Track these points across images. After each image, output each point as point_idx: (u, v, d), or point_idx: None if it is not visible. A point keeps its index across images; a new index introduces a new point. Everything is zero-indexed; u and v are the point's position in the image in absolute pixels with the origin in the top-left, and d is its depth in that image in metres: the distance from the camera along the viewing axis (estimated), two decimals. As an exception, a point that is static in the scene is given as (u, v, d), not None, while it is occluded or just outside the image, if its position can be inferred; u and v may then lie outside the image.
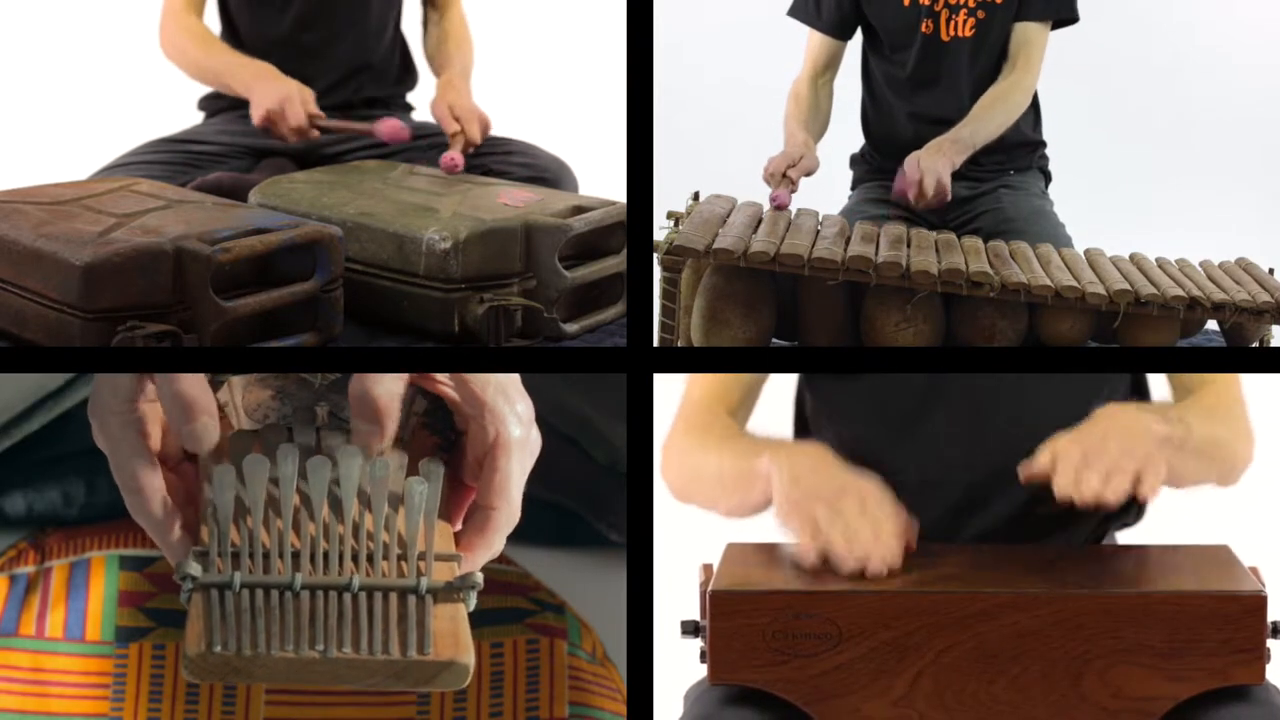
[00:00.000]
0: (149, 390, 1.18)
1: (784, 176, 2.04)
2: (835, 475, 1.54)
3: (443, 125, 2.30)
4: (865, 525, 1.50)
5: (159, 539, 1.18)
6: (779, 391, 1.81)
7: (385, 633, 1.12)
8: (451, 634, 1.13)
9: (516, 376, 1.24)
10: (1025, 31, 2.22)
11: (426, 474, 1.18)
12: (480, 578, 1.16)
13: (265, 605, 1.12)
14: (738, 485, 1.60)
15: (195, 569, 1.12)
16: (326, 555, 1.15)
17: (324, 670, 1.11)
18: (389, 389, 1.20)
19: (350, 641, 1.12)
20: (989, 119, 2.15)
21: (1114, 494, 1.46)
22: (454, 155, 2.13)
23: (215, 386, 1.25)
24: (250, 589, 1.12)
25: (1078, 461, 1.48)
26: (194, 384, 1.17)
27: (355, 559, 1.15)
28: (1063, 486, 1.48)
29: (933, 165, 2.02)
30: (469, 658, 1.13)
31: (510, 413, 1.22)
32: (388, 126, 2.18)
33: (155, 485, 1.17)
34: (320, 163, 2.35)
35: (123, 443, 1.18)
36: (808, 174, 2.07)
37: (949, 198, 2.04)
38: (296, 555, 1.14)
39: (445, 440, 1.27)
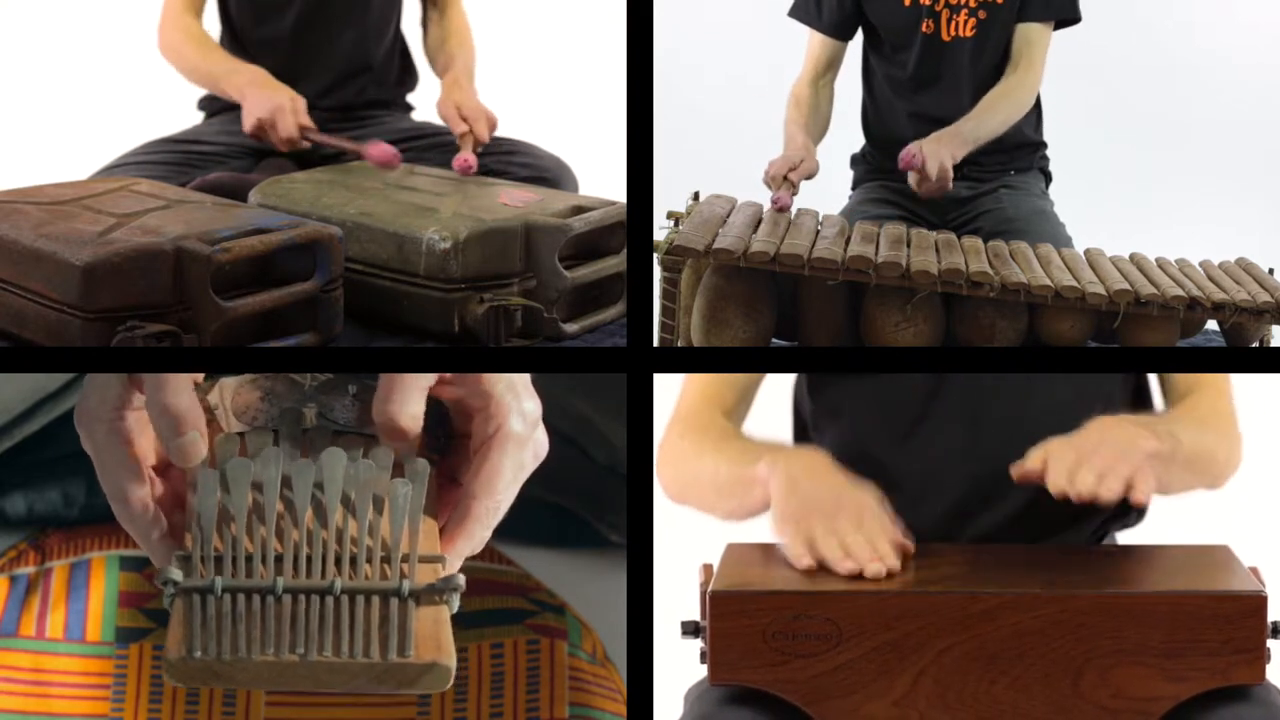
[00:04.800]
0: (136, 399, 1.18)
1: (785, 180, 2.05)
2: (832, 485, 1.54)
3: (450, 125, 2.31)
4: (861, 541, 1.50)
5: (145, 545, 1.18)
6: (779, 392, 1.81)
7: (366, 636, 1.12)
8: (433, 636, 1.13)
9: (527, 376, 1.24)
10: (1027, 32, 2.22)
11: (411, 475, 1.18)
12: (462, 579, 1.15)
13: (246, 609, 1.11)
14: (735, 490, 1.60)
15: (177, 574, 1.12)
16: (309, 559, 1.14)
17: (305, 674, 1.11)
18: (412, 412, 1.19)
19: (331, 645, 1.11)
20: (991, 116, 2.15)
21: (1108, 492, 1.47)
22: (467, 156, 2.13)
23: (205, 389, 1.24)
24: (232, 593, 1.11)
25: (1071, 461, 1.50)
26: (182, 397, 1.16)
27: (338, 562, 1.15)
28: (1056, 482, 1.49)
29: (935, 152, 2.02)
30: (450, 660, 1.12)
31: (516, 408, 1.21)
32: (379, 151, 2.15)
33: (139, 493, 1.17)
34: (320, 163, 2.35)
35: (107, 451, 1.17)
36: (808, 177, 2.07)
37: (950, 187, 2.05)
38: (279, 559, 1.14)
39: (434, 439, 1.26)
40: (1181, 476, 1.59)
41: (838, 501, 1.52)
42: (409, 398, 1.19)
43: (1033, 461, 1.52)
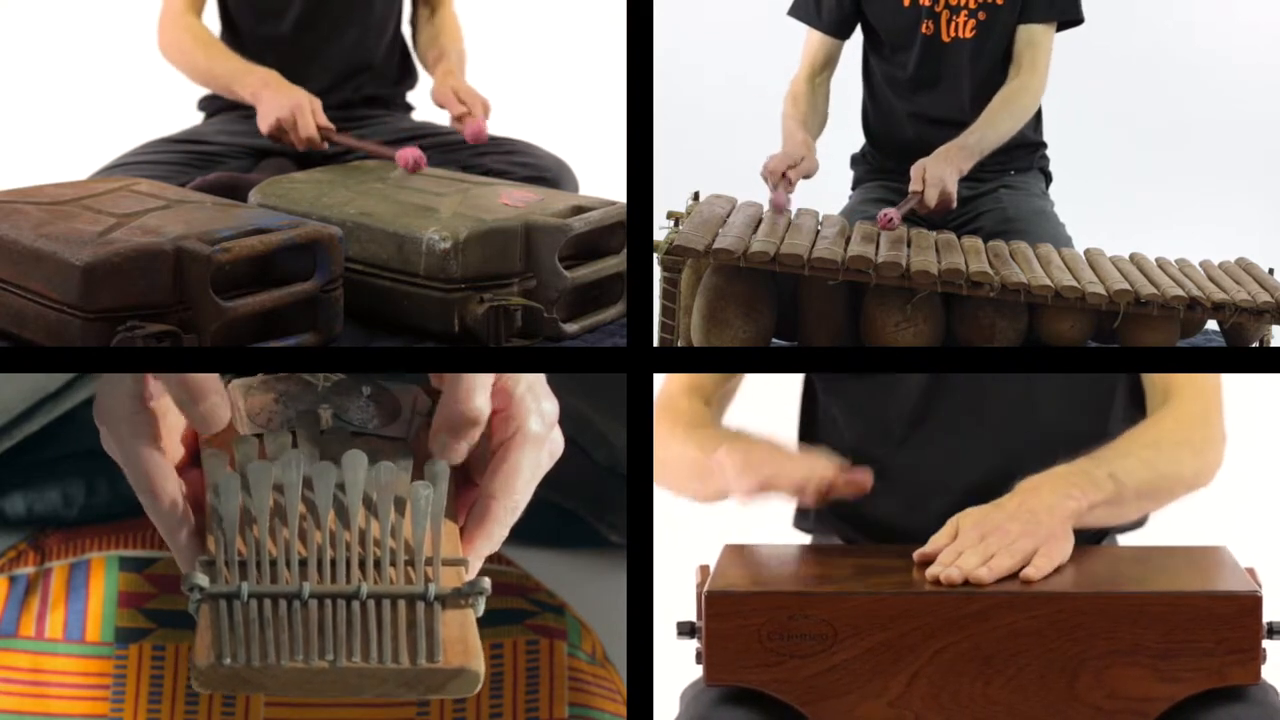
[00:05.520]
0: (153, 388, 1.18)
1: (783, 177, 2.04)
2: (785, 455, 1.56)
3: (448, 107, 2.36)
4: (801, 460, 1.51)
5: (171, 541, 1.18)
6: (779, 392, 1.81)
7: (395, 641, 1.12)
8: (461, 640, 1.13)
9: (544, 377, 1.24)
10: (1030, 34, 2.22)
11: (432, 476, 1.18)
12: (488, 583, 1.15)
13: (274, 615, 1.11)
14: (699, 475, 1.61)
15: (202, 580, 1.12)
16: (334, 563, 1.14)
17: (334, 680, 1.11)
18: (482, 404, 1.19)
19: (360, 650, 1.11)
20: (997, 124, 2.14)
21: (989, 574, 1.46)
22: (478, 123, 2.17)
23: None
24: (258, 599, 1.11)
25: (971, 541, 1.50)
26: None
27: (362, 566, 1.15)
28: (934, 568, 1.48)
29: (938, 174, 2.02)
30: (479, 664, 1.12)
31: (535, 409, 1.22)
32: (410, 154, 2.15)
33: (169, 486, 1.17)
34: (320, 163, 2.35)
35: (134, 445, 1.17)
36: (807, 176, 2.06)
37: (954, 205, 2.04)
38: (303, 563, 1.14)
39: None
40: (1137, 507, 1.61)
41: (786, 457, 1.55)
42: (477, 390, 1.19)
43: (939, 538, 1.52)
